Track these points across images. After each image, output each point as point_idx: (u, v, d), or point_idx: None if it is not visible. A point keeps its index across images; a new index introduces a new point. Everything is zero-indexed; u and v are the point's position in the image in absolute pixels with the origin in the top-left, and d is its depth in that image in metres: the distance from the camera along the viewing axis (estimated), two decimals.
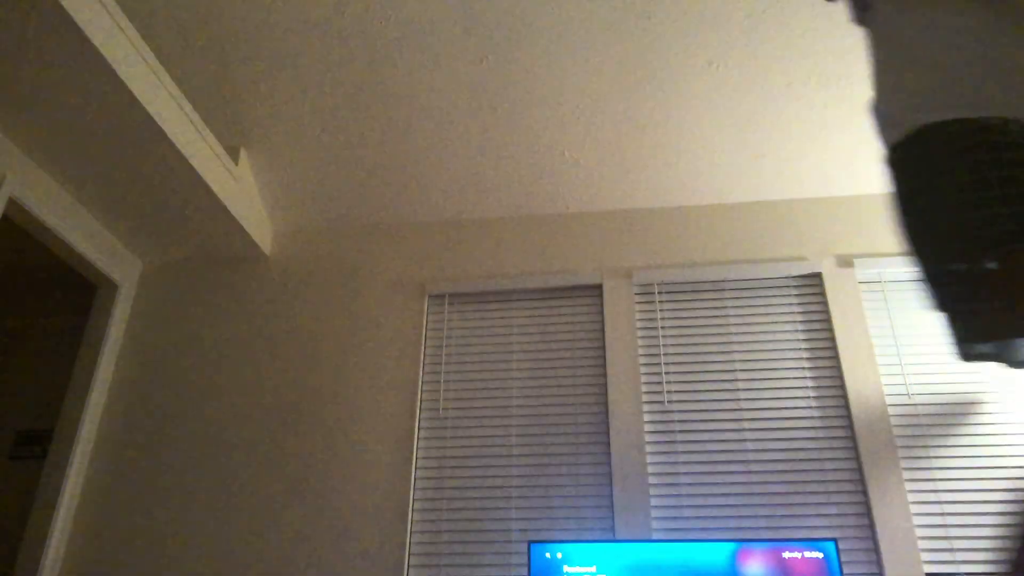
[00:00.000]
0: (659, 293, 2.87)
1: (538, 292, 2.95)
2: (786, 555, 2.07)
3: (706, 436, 2.60)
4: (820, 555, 2.06)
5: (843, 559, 2.35)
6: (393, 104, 2.68)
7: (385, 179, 2.99)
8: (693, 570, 2.08)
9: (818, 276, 2.80)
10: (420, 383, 2.81)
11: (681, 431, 2.62)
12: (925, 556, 2.33)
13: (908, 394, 2.57)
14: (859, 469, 2.48)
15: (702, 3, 2.31)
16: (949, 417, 2.52)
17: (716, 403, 2.65)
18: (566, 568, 2.12)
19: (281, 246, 3.18)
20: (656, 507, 2.50)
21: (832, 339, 2.69)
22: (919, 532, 2.36)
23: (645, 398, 2.68)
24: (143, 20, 2.39)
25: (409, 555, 2.54)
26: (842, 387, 2.60)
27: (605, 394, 2.71)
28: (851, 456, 2.51)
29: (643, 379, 2.71)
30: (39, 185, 2.55)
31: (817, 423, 2.57)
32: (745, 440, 2.57)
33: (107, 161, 2.52)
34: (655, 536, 2.45)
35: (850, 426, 2.54)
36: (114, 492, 2.74)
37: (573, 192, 3.00)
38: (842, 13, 2.32)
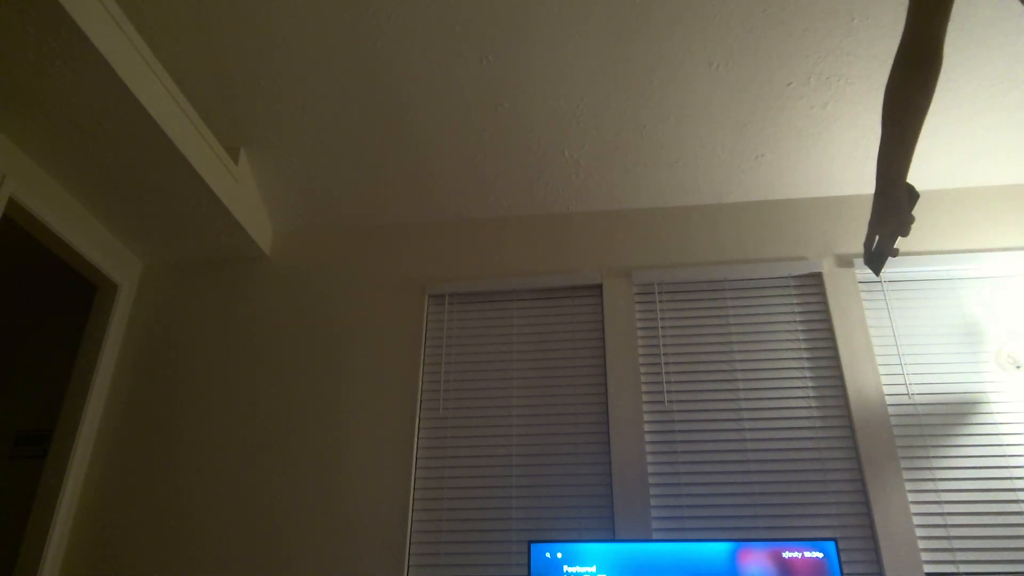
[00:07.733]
0: (659, 293, 2.87)
1: (538, 292, 2.95)
2: (786, 555, 2.07)
3: (706, 436, 2.60)
4: (820, 555, 2.06)
5: (843, 559, 2.36)
6: (393, 104, 2.68)
7: (385, 179, 2.99)
8: (693, 570, 2.08)
9: (818, 276, 2.80)
10: (420, 383, 2.81)
11: (681, 431, 2.62)
12: (925, 556, 2.33)
13: (908, 394, 2.57)
14: (859, 469, 2.48)
15: (702, 3, 2.31)
16: (949, 417, 2.52)
17: (716, 403, 2.65)
18: (566, 568, 2.12)
19: (281, 246, 3.18)
20: (656, 507, 2.50)
21: (832, 339, 2.69)
22: (919, 532, 2.36)
23: (645, 398, 2.68)
24: (143, 20, 2.40)
25: (409, 555, 2.54)
26: (842, 387, 2.61)
27: (605, 394, 2.71)
28: (851, 456, 2.51)
29: (643, 379, 2.71)
30: (39, 185, 2.55)
31: (817, 423, 2.57)
32: (745, 440, 2.57)
33: (107, 161, 2.52)
34: (655, 536, 2.45)
35: (850, 426, 2.54)
36: (114, 492, 2.74)
37: (573, 192, 3.00)
38: (842, 13, 2.32)
